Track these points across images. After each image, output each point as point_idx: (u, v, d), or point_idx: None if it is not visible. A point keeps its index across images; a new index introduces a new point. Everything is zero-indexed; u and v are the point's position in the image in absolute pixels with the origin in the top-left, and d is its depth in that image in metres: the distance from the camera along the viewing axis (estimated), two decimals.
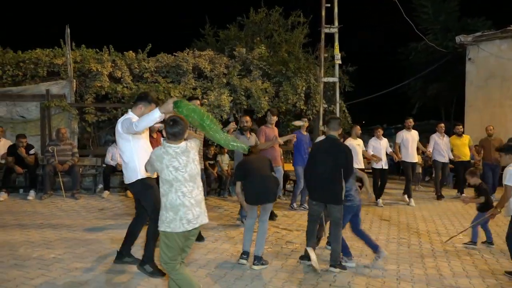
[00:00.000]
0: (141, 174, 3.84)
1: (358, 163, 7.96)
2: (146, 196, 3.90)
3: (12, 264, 4.01)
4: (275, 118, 6.73)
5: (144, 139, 4.01)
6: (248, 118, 6.30)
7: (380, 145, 8.11)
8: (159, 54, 9.72)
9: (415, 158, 8.49)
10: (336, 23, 8.05)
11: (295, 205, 7.27)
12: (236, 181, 4.59)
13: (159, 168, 3.02)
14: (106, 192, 7.79)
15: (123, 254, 4.12)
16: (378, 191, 8.07)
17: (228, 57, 10.22)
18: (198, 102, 5.39)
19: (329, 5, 7.87)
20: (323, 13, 8.00)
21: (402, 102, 19.78)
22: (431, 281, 4.05)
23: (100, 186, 8.28)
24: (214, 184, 8.66)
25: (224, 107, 8.79)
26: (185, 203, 2.97)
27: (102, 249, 4.58)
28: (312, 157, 4.45)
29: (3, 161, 7.68)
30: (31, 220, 5.78)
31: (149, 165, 3.14)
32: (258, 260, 4.19)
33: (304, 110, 9.90)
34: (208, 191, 8.51)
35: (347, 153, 4.30)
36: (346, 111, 10.90)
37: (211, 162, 8.59)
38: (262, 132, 6.52)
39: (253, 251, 4.28)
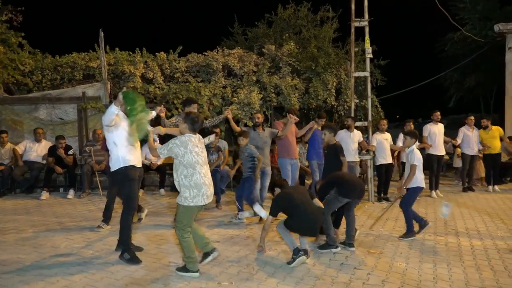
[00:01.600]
0: (124, 162, 4.18)
1: (385, 157, 7.78)
2: (125, 185, 4.21)
3: (54, 261, 4.20)
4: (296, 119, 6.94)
5: (127, 131, 4.21)
6: (260, 115, 6.71)
7: None
8: (189, 54, 9.88)
9: (442, 151, 8.48)
10: (366, 16, 7.82)
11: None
12: (270, 215, 4.34)
13: (181, 153, 3.66)
14: (141, 190, 7.99)
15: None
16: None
17: (257, 55, 10.24)
18: (196, 106, 5.68)
19: None
20: (353, 7, 7.80)
21: (438, 95, 19.13)
22: (470, 280, 3.89)
23: None
24: None
25: (254, 105, 8.81)
26: (206, 182, 3.74)
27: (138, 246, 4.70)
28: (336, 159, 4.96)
29: (44, 162, 8.05)
30: (70, 218, 6.02)
31: (166, 149, 3.72)
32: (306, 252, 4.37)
33: (335, 106, 9.77)
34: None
35: None
36: (378, 105, 10.68)
37: None
38: (278, 124, 6.83)
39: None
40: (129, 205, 4.25)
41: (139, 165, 4.36)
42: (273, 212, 4.35)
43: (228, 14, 15.07)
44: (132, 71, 8.96)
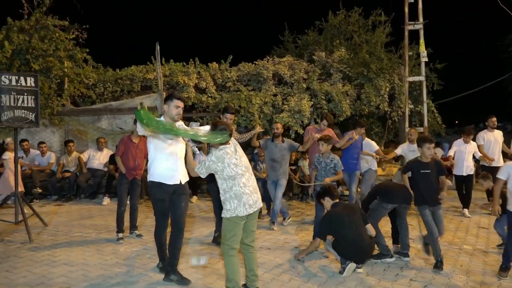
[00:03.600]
0: (154, 177, 3.98)
1: None
2: (155, 202, 4.05)
3: (114, 263, 4.44)
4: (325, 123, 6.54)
5: (167, 147, 3.98)
6: (279, 125, 6.36)
7: (466, 149, 7.16)
8: (241, 64, 10.09)
9: (498, 161, 7.32)
10: (421, 19, 7.60)
11: None
12: (319, 237, 4.28)
13: (220, 168, 3.43)
14: (195, 197, 8.23)
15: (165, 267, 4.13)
16: (463, 199, 7.20)
17: (307, 62, 10.23)
18: (230, 116, 5.31)
19: (412, 0, 7.47)
20: (406, 10, 7.61)
21: (502, 98, 17.97)
22: None
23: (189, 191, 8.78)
24: (296, 189, 8.69)
25: (304, 112, 8.79)
26: (246, 191, 3.49)
27: (192, 250, 4.86)
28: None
29: (106, 169, 8.54)
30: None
31: (204, 168, 3.49)
32: None
33: (388, 112, 9.50)
34: (290, 196, 8.56)
35: None
36: (435, 111, 10.23)
37: (293, 167, 8.62)
38: (310, 129, 6.49)
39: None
40: (156, 221, 4.10)
41: (170, 182, 3.98)
42: (322, 235, 4.21)
43: (279, 22, 15.23)
44: (186, 82, 9.31)
